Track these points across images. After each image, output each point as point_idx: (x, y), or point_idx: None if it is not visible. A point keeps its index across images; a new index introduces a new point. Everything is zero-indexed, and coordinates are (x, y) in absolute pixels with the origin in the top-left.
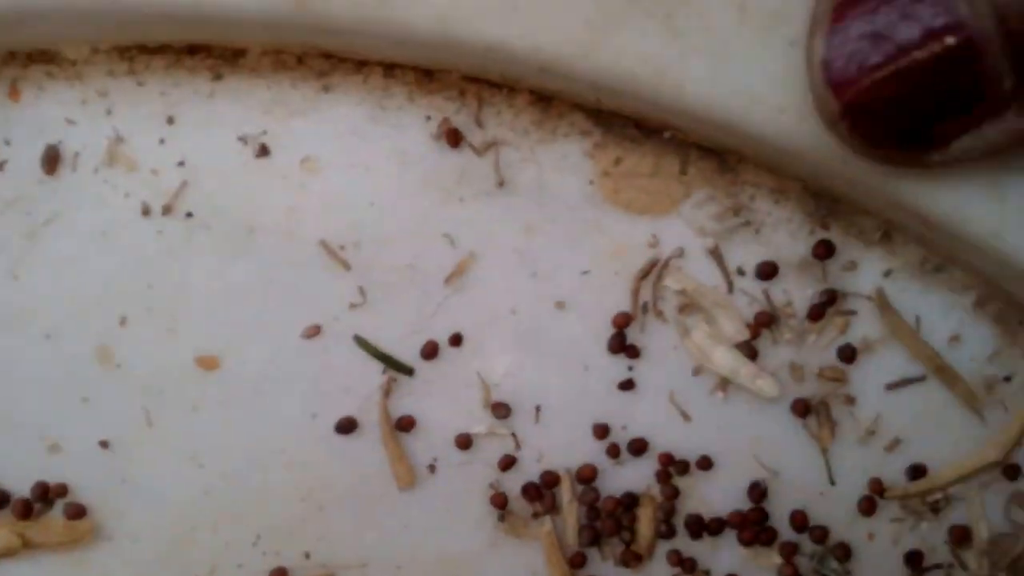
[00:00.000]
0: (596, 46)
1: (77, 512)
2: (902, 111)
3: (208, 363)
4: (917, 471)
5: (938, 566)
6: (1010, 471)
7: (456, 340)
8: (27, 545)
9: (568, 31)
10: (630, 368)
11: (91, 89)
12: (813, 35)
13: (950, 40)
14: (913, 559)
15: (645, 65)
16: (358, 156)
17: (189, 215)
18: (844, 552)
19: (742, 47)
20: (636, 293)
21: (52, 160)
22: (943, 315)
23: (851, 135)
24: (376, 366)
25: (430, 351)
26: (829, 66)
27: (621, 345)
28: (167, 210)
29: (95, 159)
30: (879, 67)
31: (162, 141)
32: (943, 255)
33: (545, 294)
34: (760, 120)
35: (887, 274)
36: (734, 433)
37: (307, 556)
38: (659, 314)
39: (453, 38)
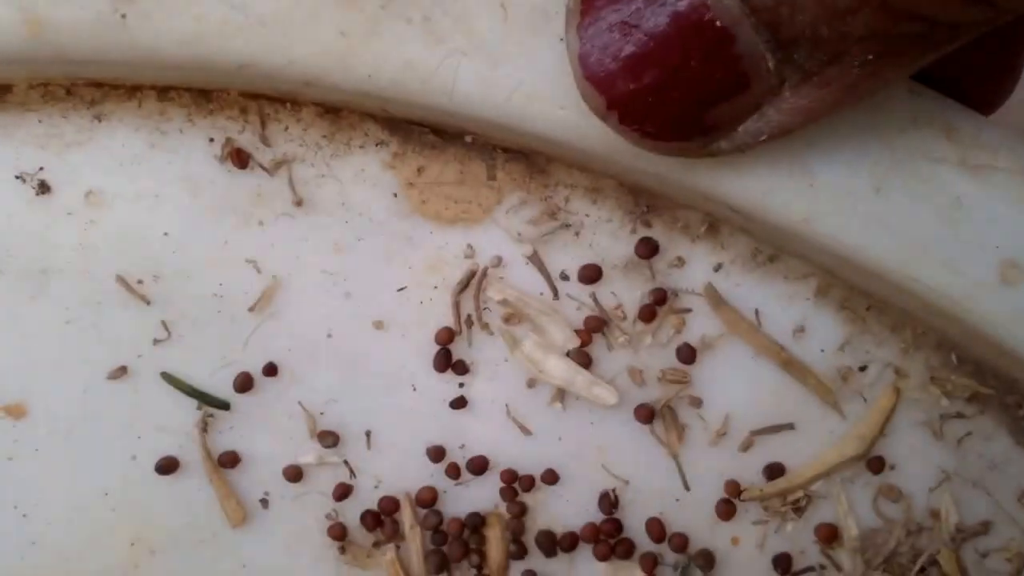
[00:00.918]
0: (353, 56)
1: None
2: (667, 101)
3: (15, 411)
4: (774, 470)
5: (810, 568)
6: (875, 464)
7: (271, 370)
8: None
9: (321, 43)
10: (461, 385)
11: None
12: (568, 29)
13: (696, 21)
14: (781, 562)
15: (409, 71)
16: (144, 185)
17: None
18: (707, 560)
19: (509, 46)
20: (457, 307)
21: None
22: (784, 307)
23: (623, 128)
24: (190, 402)
25: (244, 383)
26: (585, 60)
27: (447, 362)
28: None
29: None
30: (633, 57)
31: None
32: (774, 245)
33: (361, 314)
34: (540, 118)
35: (718, 268)
36: (578, 444)
37: None
38: (485, 326)
39: (201, 59)
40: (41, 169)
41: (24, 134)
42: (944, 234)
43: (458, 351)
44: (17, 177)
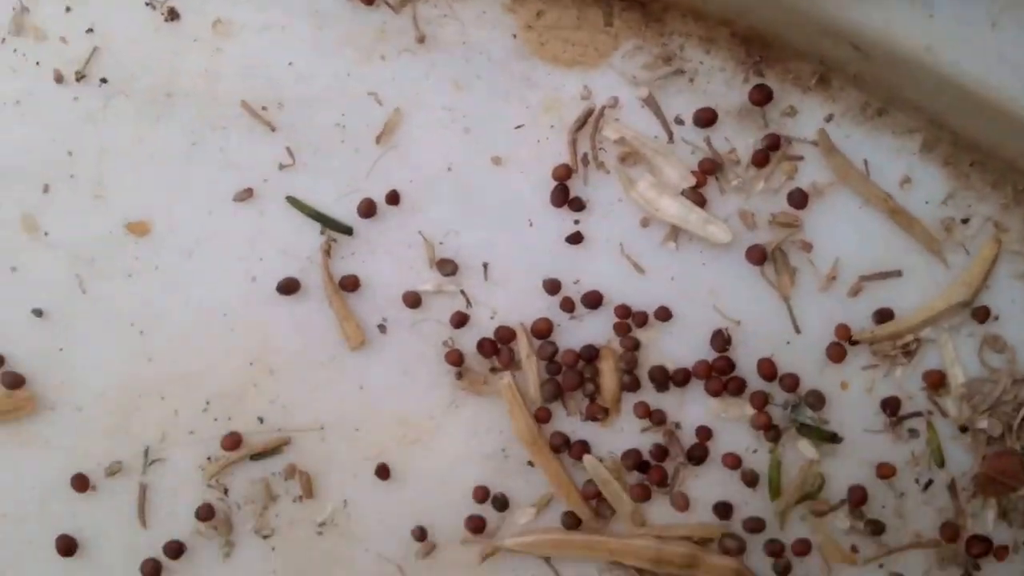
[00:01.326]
0: None
1: (15, 381)
2: None
3: (139, 229)
4: (884, 315)
5: (918, 414)
6: (980, 313)
7: (393, 198)
8: None
9: None
10: (576, 222)
11: None
12: None
13: None
14: (890, 405)
15: None
16: (271, 16)
17: (104, 81)
18: (818, 399)
19: None
20: (574, 145)
21: None
22: (891, 159)
23: None
24: (314, 227)
25: (367, 210)
26: None
27: (564, 198)
28: (80, 77)
29: (1, 30)
30: None
31: (68, 9)
32: (883, 98)
33: (480, 150)
34: None
35: (829, 119)
36: (690, 284)
37: (260, 421)
38: (600, 165)
39: None
40: None
41: None
42: None
43: (574, 188)
44: (147, 3)
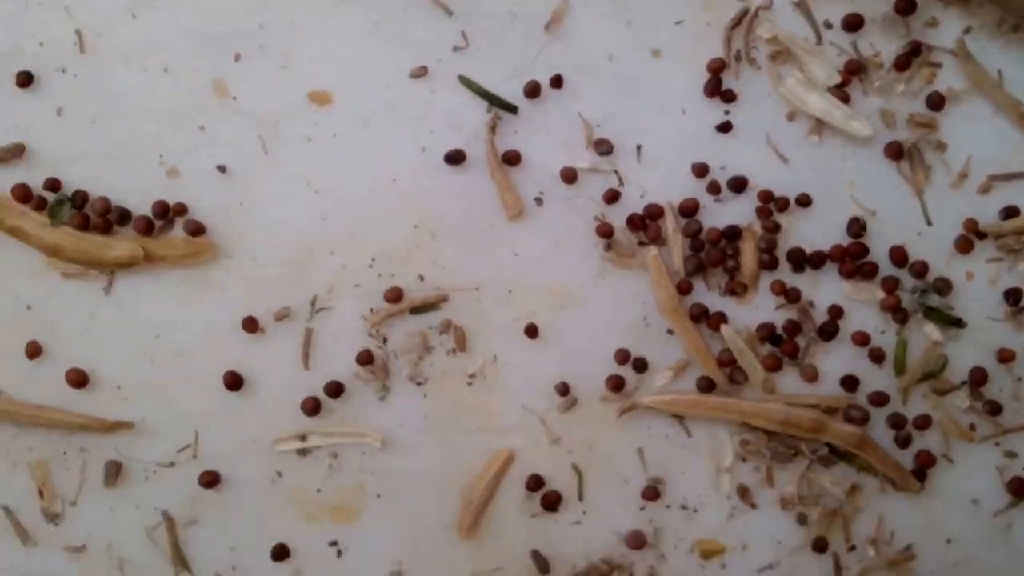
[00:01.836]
0: None
1: (196, 229)
2: None
3: (320, 98)
4: (1010, 212)
5: None
6: None
7: (557, 82)
8: (149, 258)
9: None
10: (726, 112)
11: None
12: None
13: None
14: (1012, 295)
15: None
16: None
17: None
18: (945, 286)
19: None
20: (729, 41)
21: None
22: (1023, 71)
23: None
24: (481, 105)
25: (532, 90)
26: None
27: (717, 89)
28: None
29: None
30: None
31: None
32: (1018, 15)
33: (640, 42)
34: None
35: (967, 31)
36: (830, 175)
37: (421, 279)
38: (752, 62)
39: None
40: None
41: None
42: None
43: (726, 81)
44: None
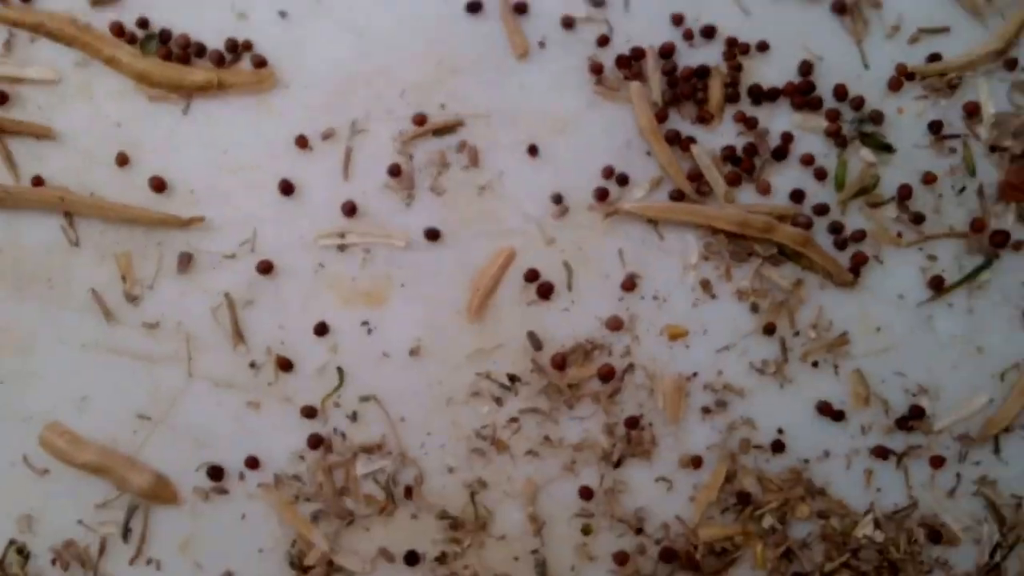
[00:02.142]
0: None
1: (260, 62)
2: None
3: None
4: (934, 57)
5: (956, 135)
6: (1010, 63)
7: None
8: (221, 85)
9: None
10: None
11: None
12: None
13: None
14: (935, 127)
15: None
16: None
17: None
18: (879, 117)
19: None
20: None
21: None
22: None
23: None
24: None
25: None
26: None
27: None
28: None
29: None
30: None
31: None
32: None
33: None
34: None
35: None
36: (786, 26)
37: (442, 107)
38: None
39: None
40: None
41: None
42: None
43: None
44: None
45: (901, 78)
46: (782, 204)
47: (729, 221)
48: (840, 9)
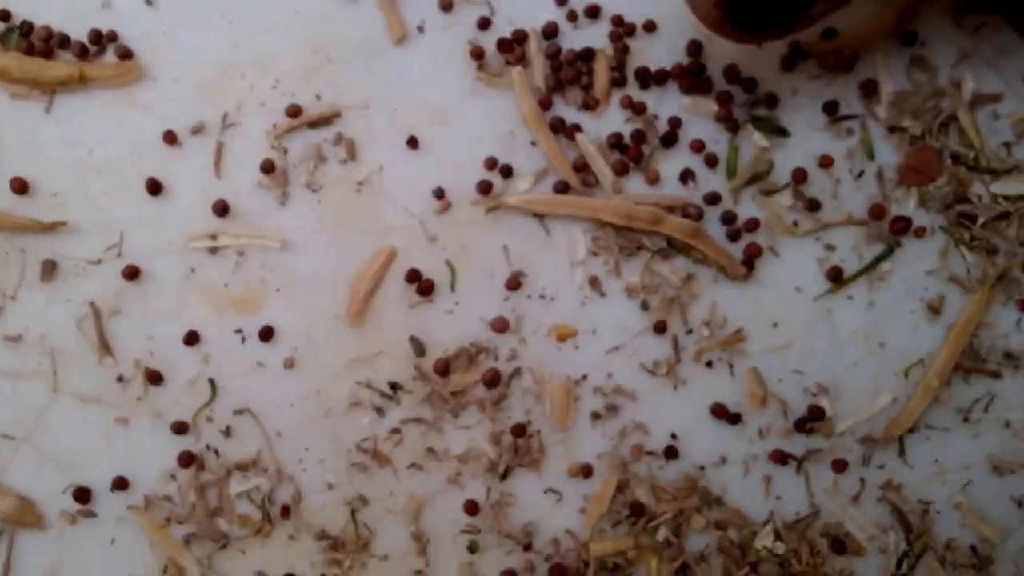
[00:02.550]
0: None
1: (125, 53)
2: None
3: None
4: (829, 32)
5: (853, 116)
6: (909, 38)
7: None
8: (84, 79)
9: None
10: None
11: None
12: None
13: None
14: (829, 108)
15: None
16: None
17: None
18: (771, 100)
19: None
20: None
21: None
22: None
23: None
24: None
25: None
26: None
27: None
28: None
29: None
30: None
31: None
32: None
33: None
34: None
35: None
36: (674, 4)
37: (318, 98)
38: None
39: None
40: None
41: None
42: None
43: None
44: None
45: (795, 56)
46: (670, 194)
47: (615, 213)
48: None
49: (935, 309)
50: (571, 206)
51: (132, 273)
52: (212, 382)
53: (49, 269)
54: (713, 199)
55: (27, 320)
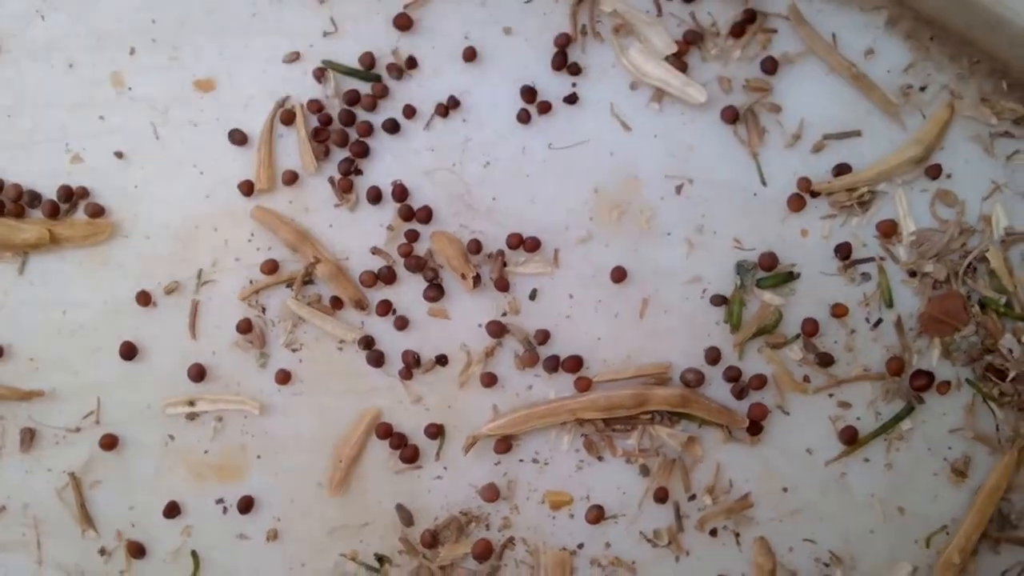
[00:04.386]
0: None
1: (97, 211)
2: None
3: (205, 85)
4: (842, 169)
5: (870, 259)
6: (932, 170)
7: (411, 63)
8: (55, 240)
9: None
10: (574, 84)
11: None
12: None
13: None
14: (842, 249)
15: None
16: None
17: None
18: (772, 260)
19: None
20: (574, 16)
21: None
22: (857, 33)
23: None
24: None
25: (395, 71)
26: None
27: (563, 62)
28: None
29: None
30: None
31: None
32: None
33: (494, 20)
34: None
35: None
36: (672, 141)
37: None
38: (597, 35)
39: None
40: None
41: None
42: None
43: (573, 55)
44: None
45: (804, 196)
46: (650, 363)
47: (595, 408)
48: (732, 118)
49: (960, 471)
50: (548, 415)
51: (110, 443)
52: (195, 554)
53: (28, 438)
54: (714, 358)
55: (9, 489)
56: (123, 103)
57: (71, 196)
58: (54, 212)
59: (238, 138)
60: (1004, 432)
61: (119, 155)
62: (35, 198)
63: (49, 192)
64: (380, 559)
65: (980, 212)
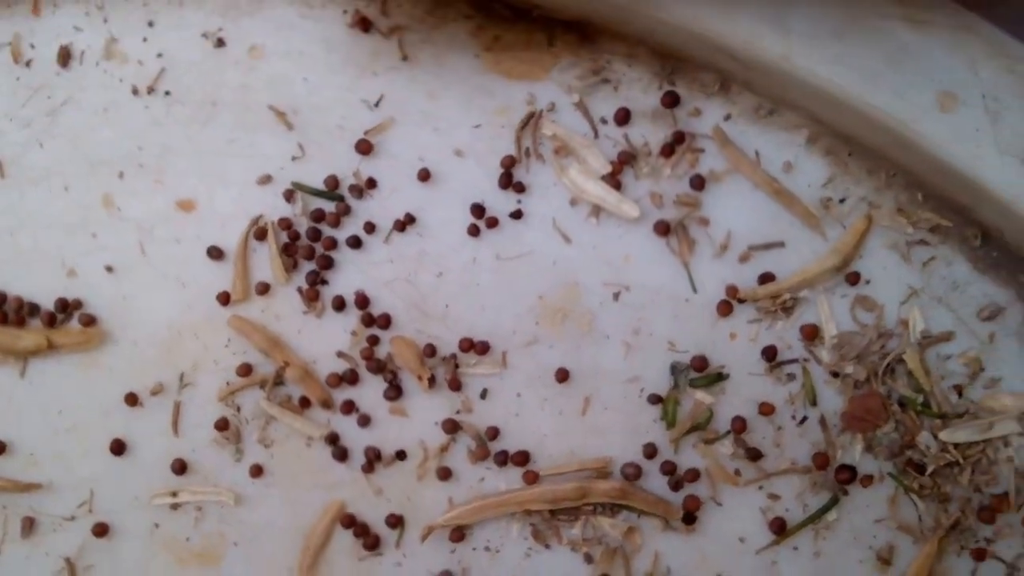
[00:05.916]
0: None
1: (89, 321)
2: None
3: (187, 206)
4: (766, 278)
5: (794, 360)
6: (852, 277)
7: (371, 183)
8: (52, 347)
9: None
10: (519, 201)
11: (91, 3)
12: None
13: None
14: (768, 352)
15: None
16: (292, 44)
17: (167, 93)
18: (702, 362)
19: None
20: (519, 140)
21: (65, 57)
22: (779, 150)
23: None
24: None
25: (357, 191)
26: None
27: (509, 182)
28: (151, 90)
29: (96, 55)
30: None
31: (145, 39)
32: (772, 100)
33: (446, 144)
34: None
35: (727, 118)
36: (609, 251)
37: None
38: (539, 156)
39: None
40: (221, 30)
41: (213, 5)
42: (891, 71)
43: (518, 175)
44: (203, 35)
45: (731, 302)
46: (592, 457)
47: (542, 500)
48: (664, 231)
49: (885, 559)
50: (498, 506)
51: (102, 531)
52: None
53: (28, 526)
54: (650, 452)
55: (11, 574)
56: (113, 223)
57: (66, 307)
58: (51, 321)
59: (216, 254)
60: (926, 522)
61: (109, 269)
62: (34, 309)
63: (47, 303)
64: None
65: (898, 316)
